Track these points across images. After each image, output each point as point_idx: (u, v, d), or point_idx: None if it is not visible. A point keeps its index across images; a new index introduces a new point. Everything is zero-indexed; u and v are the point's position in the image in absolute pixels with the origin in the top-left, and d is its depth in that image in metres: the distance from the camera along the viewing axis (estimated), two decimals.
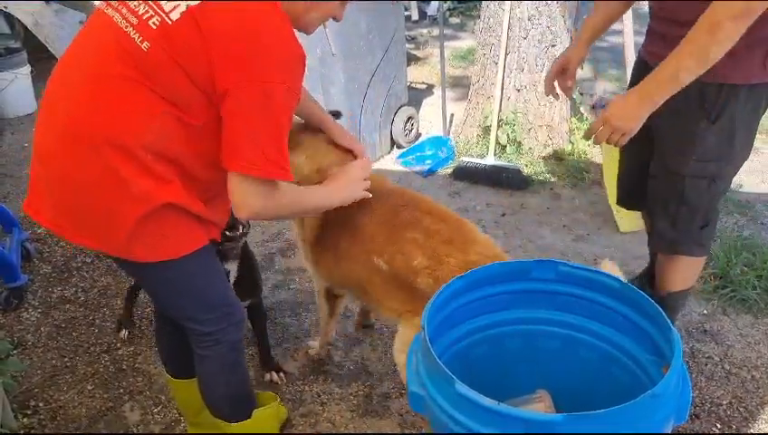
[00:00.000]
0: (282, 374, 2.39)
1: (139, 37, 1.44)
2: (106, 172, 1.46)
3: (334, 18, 1.67)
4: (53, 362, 2.51)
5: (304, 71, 1.51)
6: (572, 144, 4.11)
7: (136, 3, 1.48)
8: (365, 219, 1.94)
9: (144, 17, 1.45)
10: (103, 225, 1.52)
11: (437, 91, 4.87)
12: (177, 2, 1.44)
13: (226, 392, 1.85)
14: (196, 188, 1.57)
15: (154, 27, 1.44)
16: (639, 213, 3.32)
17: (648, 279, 2.27)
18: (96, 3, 5.73)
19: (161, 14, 1.44)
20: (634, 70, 2.13)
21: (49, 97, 1.55)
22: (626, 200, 2.37)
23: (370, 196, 1.89)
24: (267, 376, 2.38)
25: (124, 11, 1.48)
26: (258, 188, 1.51)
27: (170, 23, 1.43)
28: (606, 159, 3.42)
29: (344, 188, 1.84)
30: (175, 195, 1.51)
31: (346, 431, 2.18)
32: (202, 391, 1.86)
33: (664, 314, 1.47)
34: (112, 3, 1.52)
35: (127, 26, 1.46)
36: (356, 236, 1.95)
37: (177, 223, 1.55)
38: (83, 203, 1.51)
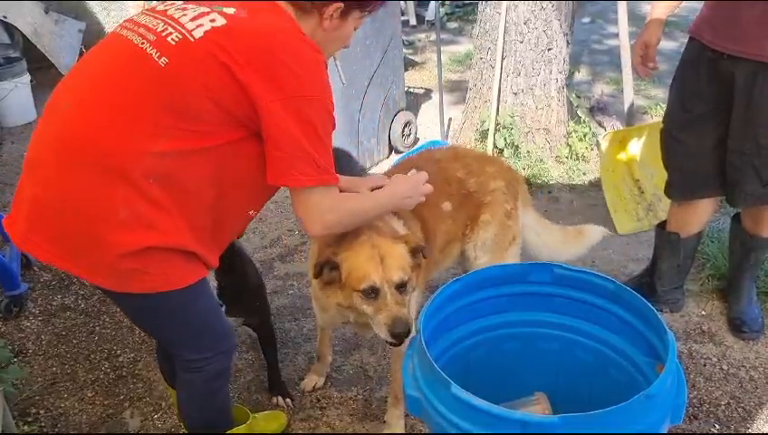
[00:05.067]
0: (288, 400, 2.30)
1: (156, 53, 1.42)
2: (100, 195, 1.42)
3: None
4: (54, 369, 2.52)
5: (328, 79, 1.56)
6: (570, 147, 4.12)
7: (154, 21, 1.48)
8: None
9: (163, 33, 1.44)
10: (82, 248, 1.46)
11: (435, 96, 4.88)
12: (200, 21, 1.44)
13: (199, 417, 1.84)
14: (201, 222, 1.52)
15: (173, 43, 1.43)
16: (637, 215, 3.37)
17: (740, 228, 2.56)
18: (91, 3, 5.76)
19: (183, 31, 1.43)
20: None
21: (52, 111, 1.52)
22: (692, 187, 2.50)
23: (423, 199, 1.91)
24: (274, 399, 2.31)
25: (142, 30, 1.48)
26: (324, 200, 1.52)
27: (192, 40, 1.42)
28: (604, 162, 3.44)
29: (405, 191, 1.84)
30: (166, 235, 1.45)
31: None
32: (178, 407, 1.84)
33: (659, 315, 1.48)
34: (127, 25, 1.52)
35: (143, 43, 1.45)
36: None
37: (162, 260, 1.49)
38: (68, 223, 1.45)
